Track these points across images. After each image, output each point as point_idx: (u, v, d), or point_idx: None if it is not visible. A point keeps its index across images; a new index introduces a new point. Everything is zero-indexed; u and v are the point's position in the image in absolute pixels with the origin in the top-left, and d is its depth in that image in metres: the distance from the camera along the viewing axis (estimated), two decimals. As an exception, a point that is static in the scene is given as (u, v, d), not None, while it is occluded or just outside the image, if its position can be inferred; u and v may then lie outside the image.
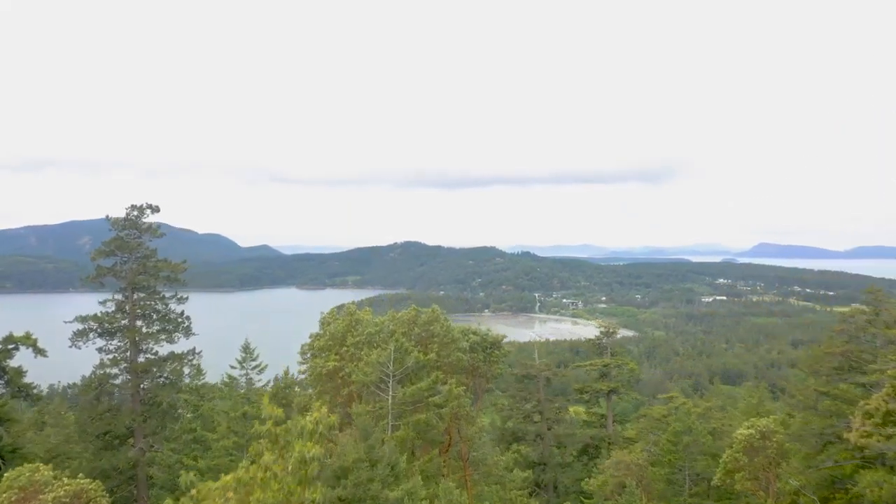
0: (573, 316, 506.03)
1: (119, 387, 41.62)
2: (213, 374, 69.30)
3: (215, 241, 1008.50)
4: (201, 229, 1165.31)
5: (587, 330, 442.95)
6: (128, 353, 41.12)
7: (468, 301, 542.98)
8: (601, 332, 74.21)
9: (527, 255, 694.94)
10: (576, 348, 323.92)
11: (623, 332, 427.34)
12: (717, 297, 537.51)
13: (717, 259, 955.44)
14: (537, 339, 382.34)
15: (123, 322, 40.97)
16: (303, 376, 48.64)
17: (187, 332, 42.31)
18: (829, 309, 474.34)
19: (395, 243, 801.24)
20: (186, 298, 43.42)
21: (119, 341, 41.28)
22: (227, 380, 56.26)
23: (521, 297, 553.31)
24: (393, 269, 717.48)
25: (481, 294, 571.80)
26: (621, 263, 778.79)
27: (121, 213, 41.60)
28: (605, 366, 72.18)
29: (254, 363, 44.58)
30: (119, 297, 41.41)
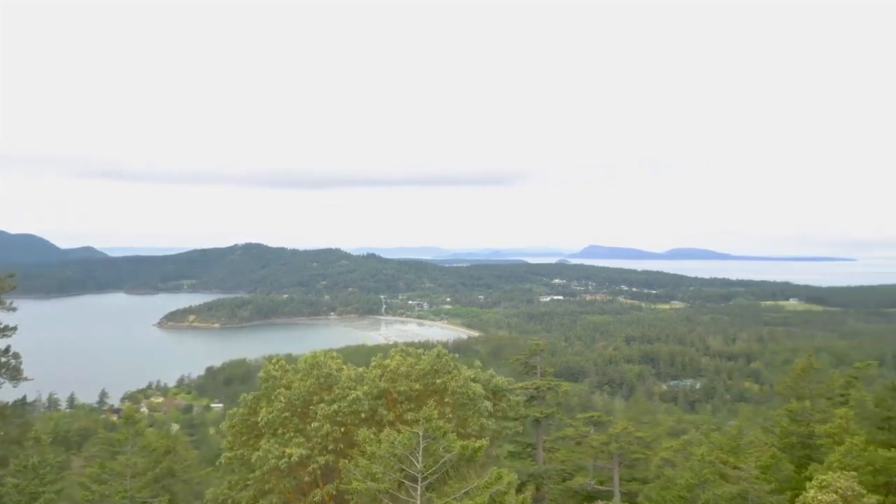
0: (419, 317, 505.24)
1: None
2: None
3: (28, 241, 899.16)
4: (13, 229, 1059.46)
5: (433, 331, 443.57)
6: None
7: (313, 304, 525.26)
8: (530, 350, 63.75)
9: (372, 257, 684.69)
10: (425, 349, 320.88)
11: (469, 332, 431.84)
12: (554, 297, 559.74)
13: (553, 260, 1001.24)
14: (385, 341, 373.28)
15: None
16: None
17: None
18: (653, 306, 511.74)
19: (236, 245, 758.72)
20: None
21: None
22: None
23: (368, 300, 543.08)
24: (233, 272, 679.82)
25: (327, 297, 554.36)
26: (464, 265, 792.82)
27: None
28: (536, 388, 61.69)
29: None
30: None
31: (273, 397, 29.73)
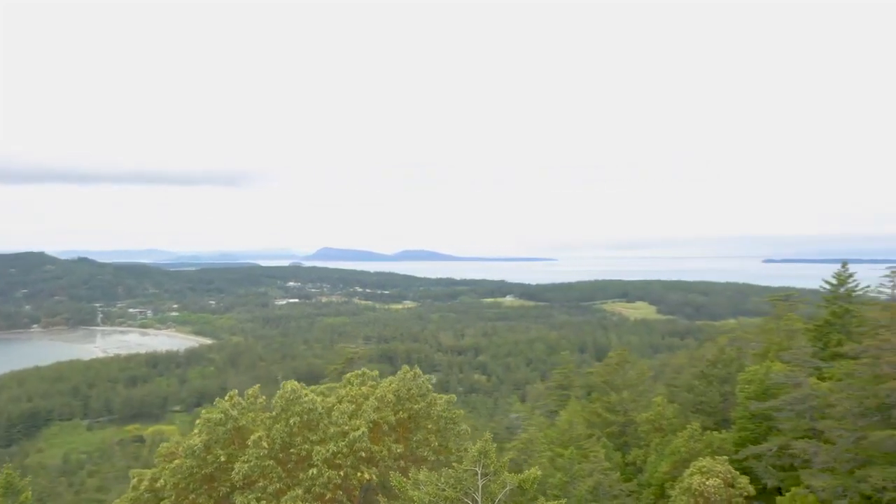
0: (142, 326, 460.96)
1: None
2: None
3: None
4: None
5: (159, 340, 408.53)
6: None
7: (11, 316, 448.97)
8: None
9: (85, 262, 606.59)
10: (153, 361, 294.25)
11: (200, 340, 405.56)
12: (290, 300, 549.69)
13: (286, 263, 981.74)
14: (104, 354, 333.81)
15: None
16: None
17: None
18: (387, 306, 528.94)
19: None
20: None
21: None
22: None
23: (80, 309, 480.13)
24: None
25: (27, 307, 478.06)
26: (192, 269, 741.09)
27: None
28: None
29: None
30: None
31: (239, 442, 24.10)
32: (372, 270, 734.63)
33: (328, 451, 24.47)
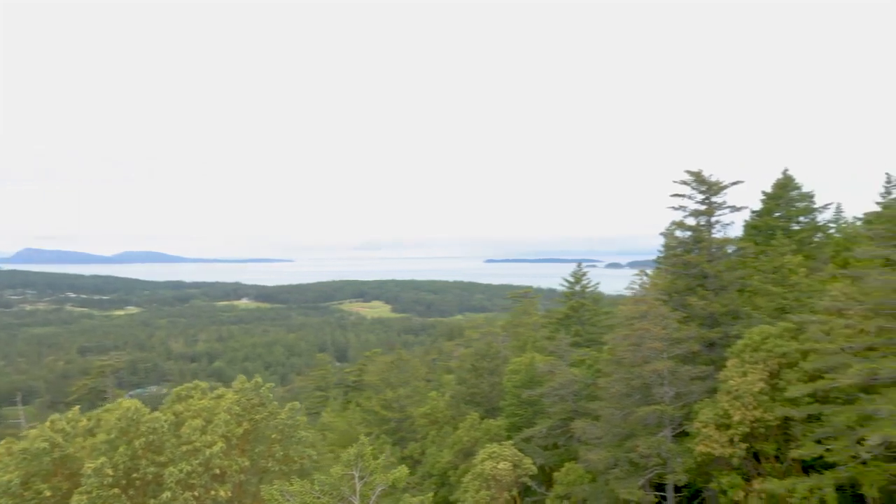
0: None
1: None
2: None
3: None
4: None
5: None
6: None
7: None
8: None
9: None
10: None
11: None
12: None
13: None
14: None
15: None
16: None
17: None
18: (106, 313, 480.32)
19: None
20: None
21: None
22: None
23: None
24: None
25: None
26: None
27: None
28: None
29: None
30: None
31: (65, 473, 19.62)
32: (88, 273, 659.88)
33: (181, 471, 22.05)
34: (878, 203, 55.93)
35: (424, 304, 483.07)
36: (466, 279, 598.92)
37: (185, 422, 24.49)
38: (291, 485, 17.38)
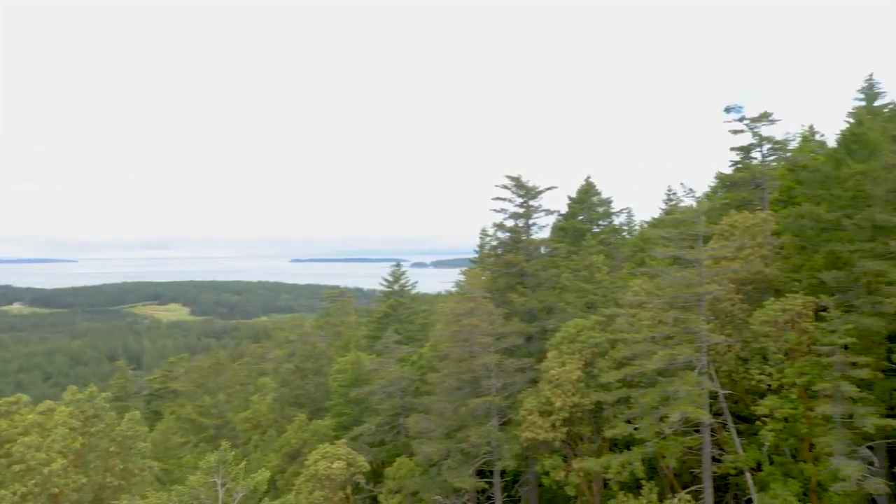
0: None
1: None
2: None
3: None
4: None
5: None
6: None
7: None
8: None
9: None
10: None
11: None
12: None
13: None
14: None
15: None
16: None
17: None
18: None
19: None
20: None
21: None
22: None
23: None
24: None
25: None
26: None
27: None
28: None
29: None
30: None
31: None
32: None
33: (14, 493, 19.05)
34: (661, 209, 63.75)
35: (227, 306, 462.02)
36: (272, 279, 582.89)
37: (16, 439, 21.58)
38: (145, 497, 16.13)
